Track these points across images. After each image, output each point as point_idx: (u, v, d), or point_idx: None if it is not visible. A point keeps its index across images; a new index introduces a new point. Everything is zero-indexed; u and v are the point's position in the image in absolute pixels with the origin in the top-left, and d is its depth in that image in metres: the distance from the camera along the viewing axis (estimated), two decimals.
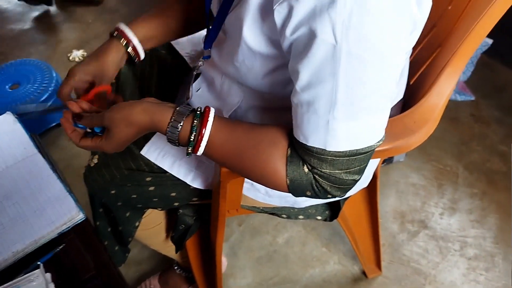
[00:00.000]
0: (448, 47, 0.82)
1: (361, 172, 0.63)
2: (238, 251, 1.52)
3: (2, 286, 0.77)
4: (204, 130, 0.64)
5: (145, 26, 0.86)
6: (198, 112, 0.65)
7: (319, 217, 1.03)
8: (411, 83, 0.92)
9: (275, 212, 0.99)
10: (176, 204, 0.96)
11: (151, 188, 0.92)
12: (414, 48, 0.95)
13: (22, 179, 0.94)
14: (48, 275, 0.78)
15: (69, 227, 0.87)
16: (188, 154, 0.67)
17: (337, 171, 0.60)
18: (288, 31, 0.55)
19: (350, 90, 0.54)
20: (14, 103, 1.76)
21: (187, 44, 1.08)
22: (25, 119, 1.04)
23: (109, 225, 1.04)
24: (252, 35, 0.63)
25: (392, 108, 0.85)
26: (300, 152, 0.62)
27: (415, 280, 1.44)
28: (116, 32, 0.83)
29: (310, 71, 0.54)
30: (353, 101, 0.55)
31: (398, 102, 0.87)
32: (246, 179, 0.86)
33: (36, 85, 1.84)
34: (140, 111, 0.67)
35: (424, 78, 0.86)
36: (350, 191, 0.95)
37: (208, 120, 0.65)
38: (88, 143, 0.72)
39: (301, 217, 1.00)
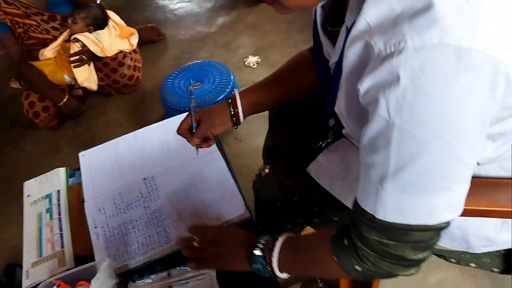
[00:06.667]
0: None
1: (422, 250, 0.60)
2: (385, 283, 1.44)
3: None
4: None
5: (253, 95, 0.97)
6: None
7: (495, 269, 0.92)
8: None
9: (443, 254, 0.92)
10: None
11: (315, 208, 0.91)
12: None
13: (201, 172, 1.03)
14: (214, 274, 0.84)
15: (235, 223, 0.92)
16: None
17: (384, 240, 0.60)
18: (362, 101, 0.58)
19: (401, 166, 0.54)
20: (195, 99, 1.94)
21: None
22: None
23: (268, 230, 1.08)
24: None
25: None
26: (355, 217, 0.63)
27: None
28: (229, 100, 0.95)
29: (369, 138, 0.56)
30: (403, 176, 0.54)
31: None
32: None
33: (215, 85, 2.00)
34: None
35: None
36: None
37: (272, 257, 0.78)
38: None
39: (472, 265, 0.91)
